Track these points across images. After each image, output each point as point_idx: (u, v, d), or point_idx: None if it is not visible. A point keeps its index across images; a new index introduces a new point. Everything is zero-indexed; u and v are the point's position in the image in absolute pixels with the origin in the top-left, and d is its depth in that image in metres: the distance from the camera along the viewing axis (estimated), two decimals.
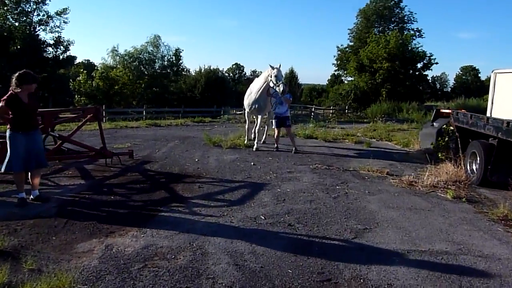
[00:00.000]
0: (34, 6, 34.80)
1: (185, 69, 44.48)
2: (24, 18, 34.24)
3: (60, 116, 7.65)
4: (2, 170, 4.95)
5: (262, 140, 10.79)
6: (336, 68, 49.18)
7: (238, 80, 66.44)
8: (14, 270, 3.28)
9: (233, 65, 72.66)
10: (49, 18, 35.62)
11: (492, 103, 8.96)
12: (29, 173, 5.13)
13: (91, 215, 4.73)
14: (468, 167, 7.33)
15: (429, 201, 5.87)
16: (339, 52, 46.65)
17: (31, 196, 5.12)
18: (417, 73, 37.06)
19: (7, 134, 4.88)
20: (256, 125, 10.17)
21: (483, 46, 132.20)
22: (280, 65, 9.16)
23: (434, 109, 12.52)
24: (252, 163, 8.17)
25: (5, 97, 4.78)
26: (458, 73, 74.90)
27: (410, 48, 35.90)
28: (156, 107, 28.26)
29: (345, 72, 46.18)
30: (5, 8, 32.87)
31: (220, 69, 45.99)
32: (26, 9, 34.38)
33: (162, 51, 38.08)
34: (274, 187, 6.33)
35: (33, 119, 5.12)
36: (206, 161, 8.33)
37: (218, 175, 7.12)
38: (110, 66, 35.99)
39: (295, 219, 4.82)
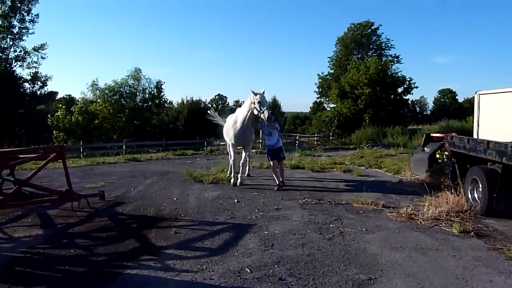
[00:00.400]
0: (11, 42, 34.17)
1: (167, 101, 44.05)
2: (0, 54, 33.40)
3: (21, 156, 6.85)
4: None
5: (246, 173, 10.13)
6: (318, 95, 49.62)
7: (221, 110, 66.27)
8: None
9: (216, 95, 72.74)
10: (26, 54, 34.95)
11: (478, 124, 8.64)
12: None
13: (41, 278, 3.92)
14: (470, 195, 6.78)
15: (434, 238, 5.24)
16: (320, 80, 47.16)
17: None
18: (398, 97, 37.41)
19: None
20: (241, 157, 9.46)
21: (457, 69, 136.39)
22: (264, 91, 8.47)
23: (419, 132, 12.25)
24: (236, 200, 7.46)
25: None
26: (436, 96, 76.53)
27: (390, 73, 36.38)
28: (138, 141, 27.45)
29: (327, 99, 46.52)
30: None
31: (203, 100, 46.00)
32: (2, 45, 33.66)
33: (143, 84, 37.71)
34: (260, 228, 5.61)
35: None
36: (185, 200, 7.59)
37: (198, 216, 6.38)
38: (90, 101, 35.26)
39: (287, 270, 4.10)
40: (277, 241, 5.04)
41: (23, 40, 34.70)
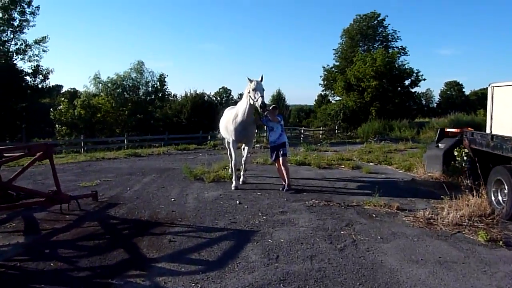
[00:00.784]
0: (12, 35, 33.66)
1: (170, 95, 43.59)
2: (1, 47, 32.93)
3: (6, 155, 6.34)
4: None
5: (243, 174, 8.85)
6: (323, 88, 48.76)
7: (225, 103, 65.69)
8: None
9: (220, 88, 71.92)
10: (27, 47, 34.47)
11: (491, 118, 8.00)
12: None
13: None
14: (493, 198, 6.19)
15: (458, 248, 4.68)
16: (325, 72, 46.30)
17: None
18: (405, 90, 36.56)
19: None
20: (243, 155, 8.54)
21: (464, 61, 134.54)
22: (261, 77, 7.54)
23: (426, 125, 11.63)
24: (237, 202, 6.93)
25: None
26: (442, 88, 75.36)
27: (397, 65, 35.52)
28: (140, 135, 26.98)
29: (332, 92, 45.72)
30: None
31: (207, 93, 45.30)
32: (3, 38, 33.16)
33: (146, 77, 37.26)
34: (264, 236, 5.07)
35: None
36: (183, 201, 7.07)
37: (196, 220, 5.86)
38: (92, 94, 34.82)
39: None
40: (283, 252, 4.50)
41: (23, 33, 34.29)
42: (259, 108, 7.37)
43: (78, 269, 4.09)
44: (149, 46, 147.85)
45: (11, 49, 33.91)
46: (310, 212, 6.24)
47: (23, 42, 34.36)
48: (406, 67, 35.81)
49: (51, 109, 32.64)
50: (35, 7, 33.98)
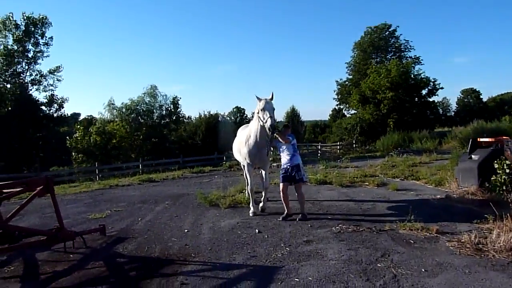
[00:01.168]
0: (26, 67, 34.26)
1: (185, 117, 43.57)
2: (16, 79, 33.50)
3: (5, 191, 5.90)
4: None
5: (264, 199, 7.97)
6: (338, 102, 48.22)
7: (239, 123, 65.49)
8: None
9: (233, 108, 71.88)
10: (42, 77, 34.97)
11: None
12: None
13: None
14: None
15: None
16: (339, 86, 45.82)
17: None
18: (422, 100, 35.57)
19: None
20: (264, 179, 7.69)
21: (479, 68, 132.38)
22: (272, 95, 6.93)
23: (448, 135, 10.82)
24: (256, 230, 6.30)
25: None
26: (459, 96, 73.58)
27: (412, 75, 34.69)
28: (156, 158, 26.72)
29: (347, 105, 45.08)
30: None
31: (221, 113, 45.19)
32: (18, 70, 33.77)
33: (160, 101, 37.24)
34: (289, 273, 4.42)
35: None
36: (198, 232, 6.47)
37: (211, 255, 5.24)
38: (107, 120, 35.00)
39: None
40: None
41: (38, 63, 34.79)
42: (267, 131, 6.72)
43: None
44: (163, 70, 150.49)
45: (26, 80, 34.43)
46: (338, 241, 5.56)
47: (37, 72, 34.90)
48: (422, 76, 34.97)
49: (67, 137, 32.85)
50: (49, 38, 34.56)
